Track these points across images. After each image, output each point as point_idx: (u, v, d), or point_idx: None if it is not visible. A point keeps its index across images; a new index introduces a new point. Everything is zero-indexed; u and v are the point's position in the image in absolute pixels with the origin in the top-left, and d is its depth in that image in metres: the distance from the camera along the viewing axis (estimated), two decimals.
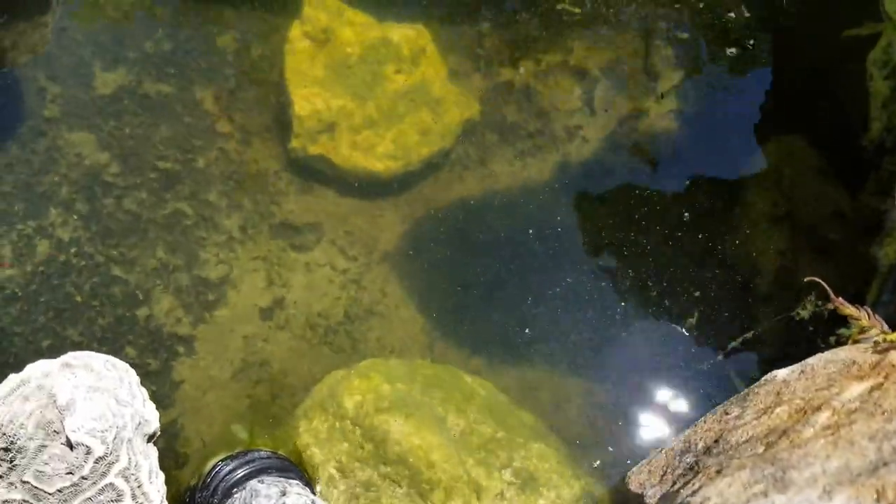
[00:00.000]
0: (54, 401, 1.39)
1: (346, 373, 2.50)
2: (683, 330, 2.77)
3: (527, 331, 2.77)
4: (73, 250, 2.73)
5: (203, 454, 2.45)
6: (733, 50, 3.23)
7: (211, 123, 3.03)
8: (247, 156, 3.00)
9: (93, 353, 1.53)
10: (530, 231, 2.92)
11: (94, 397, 1.42)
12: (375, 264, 2.90)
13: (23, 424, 1.38)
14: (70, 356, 1.52)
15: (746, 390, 1.94)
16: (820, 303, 2.49)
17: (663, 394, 2.66)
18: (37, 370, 1.47)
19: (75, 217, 2.78)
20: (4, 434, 1.38)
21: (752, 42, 3.23)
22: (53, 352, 2.56)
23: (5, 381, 1.48)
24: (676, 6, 3.30)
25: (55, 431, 1.38)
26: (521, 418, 2.59)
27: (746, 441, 1.69)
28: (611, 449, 2.57)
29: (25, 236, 2.72)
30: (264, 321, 2.74)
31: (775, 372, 1.90)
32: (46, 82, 2.97)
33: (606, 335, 2.77)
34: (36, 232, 2.73)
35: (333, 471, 2.35)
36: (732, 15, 3.26)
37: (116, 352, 2.61)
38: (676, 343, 2.74)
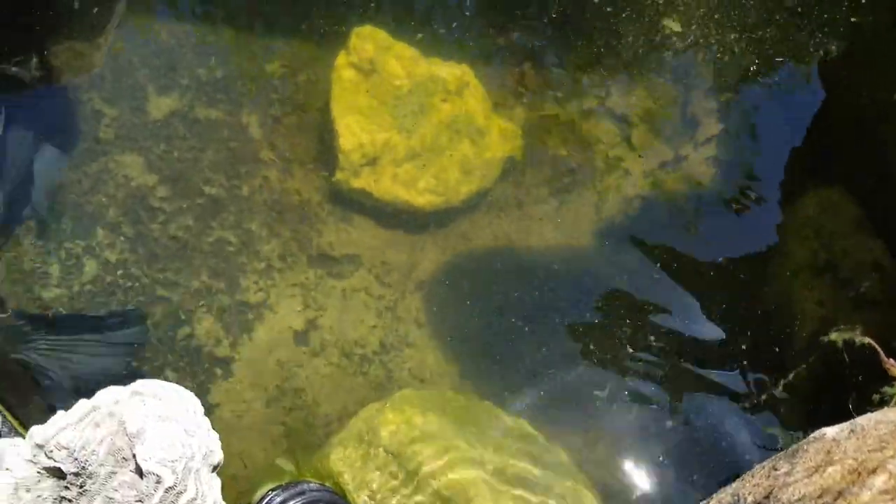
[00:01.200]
0: (124, 428, 1.44)
1: (381, 405, 2.54)
2: (719, 378, 2.76)
3: (559, 369, 2.79)
4: (119, 272, 2.80)
5: (245, 480, 2.49)
6: (773, 100, 3.24)
7: (256, 150, 3.09)
8: (289, 185, 3.06)
9: (161, 382, 1.58)
10: (566, 271, 2.94)
11: (163, 426, 1.46)
12: (411, 294, 2.93)
13: (94, 451, 1.43)
14: (139, 384, 1.56)
15: (795, 446, 1.94)
16: (862, 356, 2.48)
17: (700, 440, 2.66)
18: (107, 397, 1.52)
19: (122, 239, 2.85)
20: (76, 459, 1.43)
21: (794, 92, 3.24)
22: (95, 374, 2.63)
23: (76, 407, 1.53)
24: (718, 55, 3.32)
25: (124, 458, 1.42)
26: (556, 455, 2.60)
27: (799, 500, 1.69)
28: (647, 492, 2.57)
29: (74, 255, 2.79)
30: (300, 347, 2.79)
31: (824, 430, 1.89)
32: (101, 104, 3.06)
33: (639, 379, 2.78)
34: (84, 251, 2.81)
35: (366, 498, 2.37)
36: (779, 59, 3.27)
37: (157, 373, 2.67)
38: (712, 390, 2.74)
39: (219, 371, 2.71)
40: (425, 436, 2.42)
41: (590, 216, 3.07)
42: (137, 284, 2.80)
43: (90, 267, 2.79)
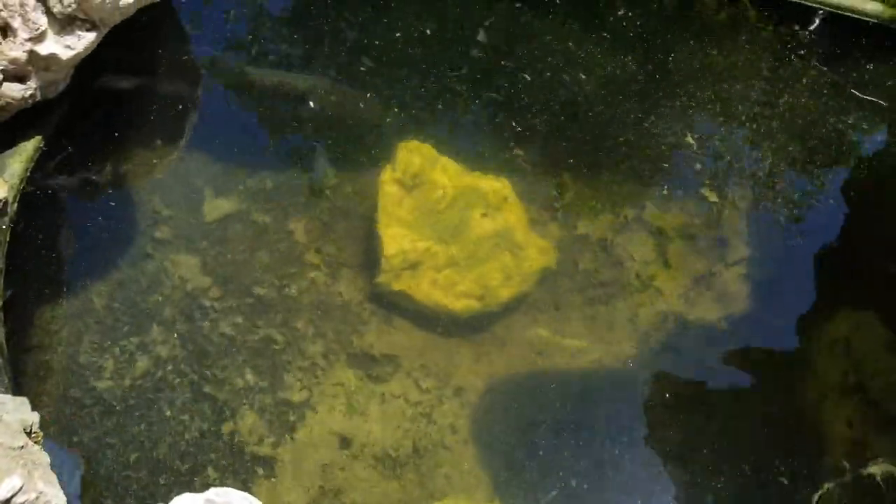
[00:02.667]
0: None
1: None
2: (747, 495, 2.78)
3: (593, 483, 2.83)
4: (169, 367, 2.92)
5: None
6: (804, 221, 3.36)
7: (303, 253, 3.24)
8: (333, 287, 3.19)
9: (231, 490, 1.66)
10: (601, 385, 3.02)
11: None
12: (447, 399, 3.01)
13: None
14: (213, 492, 1.65)
15: None
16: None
17: None
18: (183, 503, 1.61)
19: (175, 336, 2.98)
20: None
21: (824, 213, 3.36)
22: (140, 465, 2.72)
23: None
24: (752, 176, 3.47)
25: None
26: None
27: None
28: None
29: (128, 352, 2.92)
30: (341, 449, 2.86)
31: None
32: (160, 206, 3.24)
33: (670, 497, 2.80)
34: (137, 348, 2.94)
35: None
36: (809, 187, 3.41)
37: (199, 470, 2.75)
38: None
39: (260, 470, 2.79)
40: None
41: (624, 329, 3.16)
42: (185, 380, 2.92)
43: (142, 362, 2.92)
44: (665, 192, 3.43)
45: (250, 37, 3.60)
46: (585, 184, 3.44)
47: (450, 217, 3.22)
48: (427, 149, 3.34)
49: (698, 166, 3.49)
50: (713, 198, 3.42)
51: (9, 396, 2.17)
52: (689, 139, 3.52)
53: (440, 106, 3.56)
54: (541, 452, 2.91)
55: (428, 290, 3.12)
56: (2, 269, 2.55)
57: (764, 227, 3.39)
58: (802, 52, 3.71)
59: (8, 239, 2.62)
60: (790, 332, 3.12)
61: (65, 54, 2.67)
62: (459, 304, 3.09)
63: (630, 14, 3.75)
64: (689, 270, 3.31)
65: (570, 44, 3.70)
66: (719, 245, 3.34)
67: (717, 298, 3.26)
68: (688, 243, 3.35)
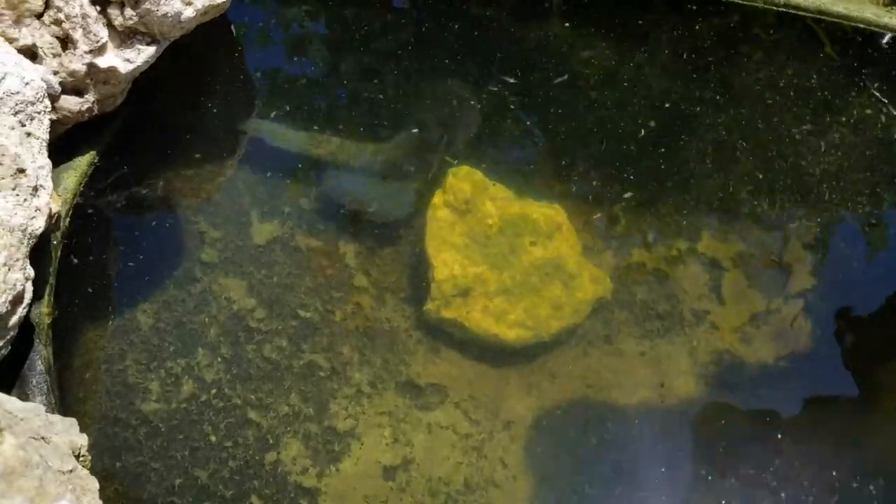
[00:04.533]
0: None
1: None
2: None
3: None
4: (213, 391, 2.86)
5: None
6: (873, 253, 3.25)
7: (350, 277, 3.18)
8: (380, 312, 3.12)
9: None
10: (657, 421, 2.91)
11: None
12: (498, 432, 2.91)
13: None
14: None
15: None
16: None
17: None
18: None
19: (220, 359, 2.93)
20: None
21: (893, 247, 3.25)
22: (184, 491, 2.66)
23: None
24: (816, 204, 3.36)
25: None
26: None
27: None
28: None
29: (174, 374, 2.87)
30: (386, 481, 2.77)
31: None
32: (207, 227, 3.21)
33: None
34: (184, 371, 2.88)
35: None
36: (879, 215, 3.30)
37: (243, 497, 2.67)
38: None
39: (304, 502, 2.70)
40: None
41: (679, 365, 3.05)
42: (230, 405, 2.85)
43: (188, 385, 2.86)
44: (722, 221, 3.34)
45: (305, 61, 3.59)
46: (641, 212, 3.35)
47: (501, 244, 3.15)
48: (477, 175, 3.28)
49: (758, 193, 3.39)
50: (773, 226, 3.31)
51: (58, 417, 2.12)
52: (749, 166, 3.43)
53: (490, 131, 3.51)
54: (593, 491, 2.80)
55: (479, 318, 3.04)
56: (52, 286, 2.52)
57: (828, 258, 3.27)
58: (870, 77, 3.61)
59: (59, 255, 2.59)
60: (856, 374, 2.99)
61: (124, 68, 2.66)
62: (511, 334, 3.01)
63: (692, 42, 3.68)
64: (746, 304, 3.20)
65: (628, 69, 3.64)
66: (779, 277, 3.23)
67: (776, 335, 3.14)
68: (745, 275, 3.25)
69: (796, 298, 3.20)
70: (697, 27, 3.72)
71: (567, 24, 3.72)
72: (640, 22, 3.74)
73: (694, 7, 3.73)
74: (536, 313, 3.05)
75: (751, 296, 3.22)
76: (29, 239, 2.21)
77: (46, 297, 2.50)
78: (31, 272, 2.25)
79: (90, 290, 2.92)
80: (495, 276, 3.09)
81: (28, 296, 2.23)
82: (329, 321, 3.07)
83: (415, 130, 3.49)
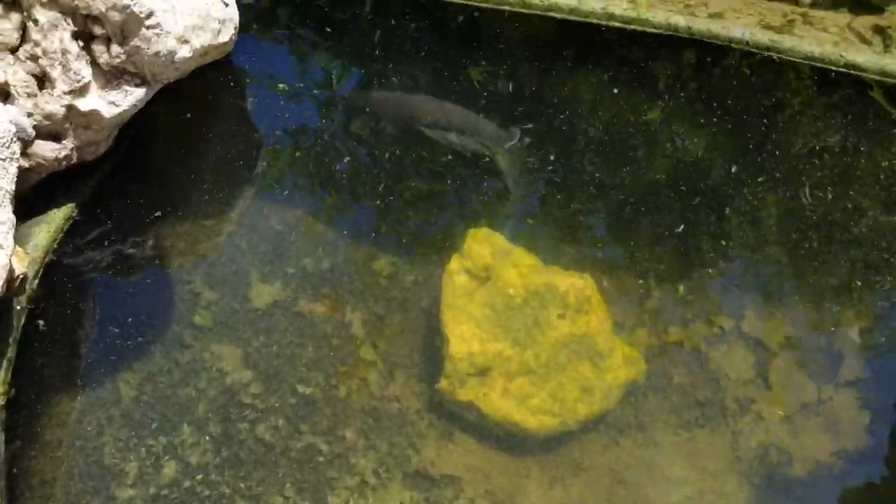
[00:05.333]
0: None
1: None
2: None
3: None
4: (199, 476, 2.54)
5: None
6: None
7: (356, 349, 2.89)
8: (388, 390, 2.82)
9: None
10: None
11: None
12: None
13: None
14: None
15: None
16: None
17: None
18: None
19: (207, 438, 2.61)
20: None
21: None
22: None
23: None
24: (871, 281, 3.07)
25: None
26: None
27: None
28: None
29: (154, 454, 2.56)
30: None
31: None
32: (202, 287, 2.93)
33: None
34: (165, 450, 2.57)
35: None
36: None
37: None
38: None
39: None
40: None
41: (721, 460, 2.73)
42: (216, 493, 2.53)
43: (169, 468, 2.54)
44: (768, 298, 3.04)
45: (313, 110, 3.34)
46: (677, 284, 3.06)
47: (524, 316, 2.84)
48: (498, 238, 3.00)
49: (808, 271, 3.10)
50: (823, 307, 3.01)
51: None
52: (798, 240, 3.15)
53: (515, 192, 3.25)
54: None
55: (498, 401, 2.72)
56: (10, 360, 2.21)
57: (883, 344, 2.96)
58: None
59: (23, 322, 2.29)
60: None
61: (108, 112, 2.38)
62: (534, 421, 2.69)
63: (740, 105, 3.42)
64: (795, 392, 2.88)
65: (667, 133, 3.39)
66: (830, 362, 2.92)
67: (828, 428, 2.82)
68: (793, 359, 2.94)
69: (849, 387, 2.89)
70: (742, 91, 3.46)
71: (599, 81, 3.48)
72: (685, 84, 3.49)
73: (748, 73, 3.47)
74: (563, 397, 2.73)
75: (799, 382, 2.91)
76: None
77: (2, 374, 2.19)
78: None
79: (63, 357, 2.62)
80: (517, 353, 2.78)
81: None
82: (331, 399, 2.77)
83: (429, 185, 3.23)
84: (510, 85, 3.46)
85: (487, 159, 3.24)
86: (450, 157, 3.27)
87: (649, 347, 2.94)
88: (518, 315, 2.84)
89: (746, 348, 2.95)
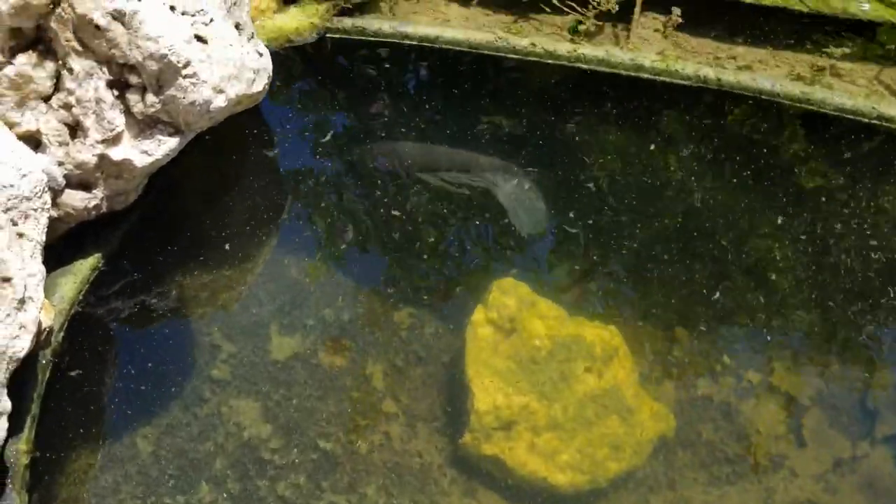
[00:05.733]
0: None
1: None
2: None
3: None
4: None
5: None
6: None
7: (378, 402, 2.82)
8: (410, 444, 2.75)
9: None
10: None
11: None
12: None
13: None
14: None
15: None
16: None
17: None
18: None
19: (225, 496, 2.54)
20: None
21: None
22: None
23: None
24: None
25: None
26: None
27: None
28: None
29: None
30: None
31: None
32: (221, 340, 2.88)
33: None
34: None
35: None
36: None
37: None
38: None
39: None
40: None
41: None
42: None
43: None
44: (799, 351, 2.98)
45: (342, 165, 3.34)
46: (704, 336, 3.00)
47: (550, 369, 2.78)
48: (523, 289, 2.95)
49: (841, 323, 3.04)
50: (858, 361, 2.95)
51: None
52: (830, 290, 3.09)
53: (536, 240, 3.21)
54: None
55: (524, 456, 2.65)
56: (35, 417, 2.15)
57: None
58: None
59: (48, 377, 2.24)
60: None
61: (140, 161, 2.36)
62: (562, 478, 2.61)
63: (769, 161, 3.41)
64: (829, 448, 2.80)
65: (686, 177, 3.37)
66: (864, 418, 2.85)
67: (865, 486, 2.73)
68: (825, 414, 2.86)
69: (885, 443, 2.81)
70: (765, 140, 3.45)
71: (622, 131, 3.48)
72: (707, 132, 3.48)
73: (769, 122, 3.47)
74: (592, 454, 2.65)
75: (833, 438, 2.83)
76: (9, 364, 1.86)
77: (27, 432, 2.13)
78: (6, 405, 1.88)
79: (84, 411, 2.56)
80: (544, 407, 2.71)
81: (1, 434, 1.86)
82: (353, 454, 2.69)
83: (450, 236, 3.21)
84: (526, 131, 3.46)
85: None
86: (473, 209, 3.25)
87: (677, 401, 2.87)
88: (544, 368, 2.78)
89: (777, 403, 2.88)
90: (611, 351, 2.83)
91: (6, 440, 1.93)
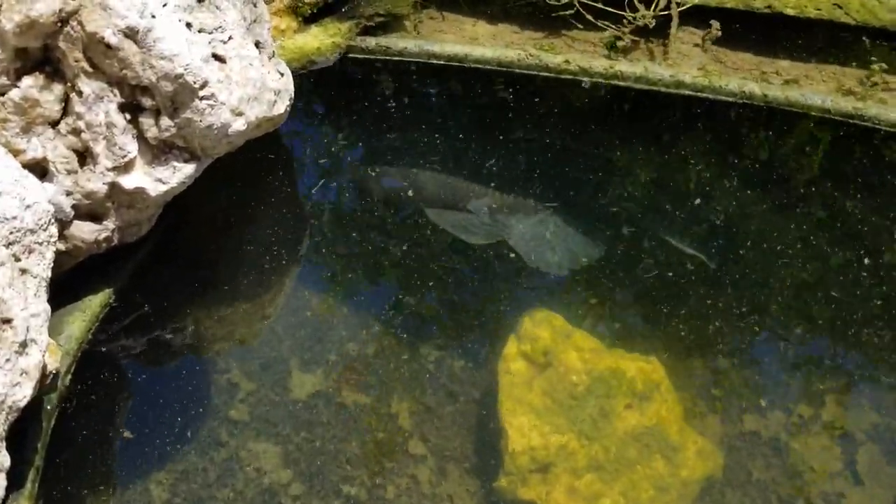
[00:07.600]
0: None
1: None
2: None
3: None
4: None
5: None
6: None
7: (405, 443, 2.66)
8: (440, 488, 2.58)
9: None
10: None
11: None
12: None
13: None
14: None
15: None
16: None
17: None
18: None
19: None
20: None
21: None
22: None
23: None
24: None
25: None
26: None
27: None
28: None
29: None
30: None
31: None
32: (239, 377, 2.74)
33: None
34: None
35: None
36: None
37: None
38: None
39: None
40: None
41: None
42: None
43: None
44: (849, 382, 2.81)
45: (359, 192, 3.21)
46: (749, 367, 2.84)
47: (589, 406, 2.62)
48: (558, 320, 2.80)
49: (889, 351, 2.87)
50: None
51: None
52: (884, 319, 2.94)
53: (571, 269, 3.06)
54: None
55: (563, 500, 2.48)
56: (39, 469, 1.99)
57: None
58: None
59: (52, 425, 2.08)
60: None
61: (155, 189, 2.22)
62: None
63: (815, 183, 3.27)
64: (888, 485, 2.62)
65: (723, 201, 3.23)
66: None
67: None
68: (881, 449, 2.69)
69: None
70: (822, 166, 3.31)
71: (656, 154, 3.35)
72: (745, 152, 3.34)
73: (805, 141, 3.33)
74: (636, 497, 2.49)
75: (891, 475, 2.65)
76: (8, 414, 1.70)
77: (29, 486, 1.96)
78: (6, 461, 1.72)
79: (93, 457, 2.41)
80: (584, 447, 2.55)
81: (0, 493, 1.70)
82: (379, 499, 2.54)
83: (476, 266, 3.07)
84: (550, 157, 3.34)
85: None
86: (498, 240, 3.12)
87: (724, 438, 2.70)
88: (582, 404, 2.62)
89: (830, 438, 2.71)
90: (652, 385, 2.67)
91: (6, 498, 1.77)
